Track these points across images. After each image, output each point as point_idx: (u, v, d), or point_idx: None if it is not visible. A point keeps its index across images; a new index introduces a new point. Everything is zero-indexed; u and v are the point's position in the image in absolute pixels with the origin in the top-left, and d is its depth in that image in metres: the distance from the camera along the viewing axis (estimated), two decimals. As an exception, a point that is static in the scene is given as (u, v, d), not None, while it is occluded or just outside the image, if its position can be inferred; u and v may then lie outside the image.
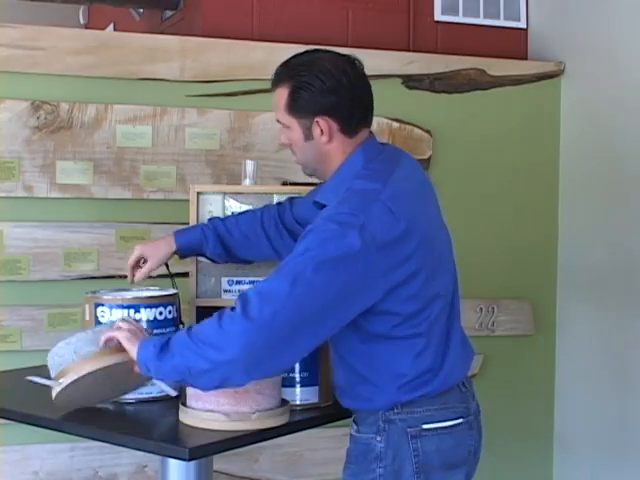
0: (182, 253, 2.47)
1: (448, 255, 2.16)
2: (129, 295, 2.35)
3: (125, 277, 2.50)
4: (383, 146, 2.18)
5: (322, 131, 2.07)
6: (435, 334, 2.05)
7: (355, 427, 2.10)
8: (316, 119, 2.07)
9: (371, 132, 2.16)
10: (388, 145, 2.24)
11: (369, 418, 2.06)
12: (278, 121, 2.15)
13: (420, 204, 2.07)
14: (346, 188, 2.03)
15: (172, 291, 2.41)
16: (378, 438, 2.05)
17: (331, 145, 2.09)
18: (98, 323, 2.26)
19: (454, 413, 2.08)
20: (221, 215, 2.54)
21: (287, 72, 2.10)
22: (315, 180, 2.27)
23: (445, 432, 2.06)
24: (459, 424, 2.09)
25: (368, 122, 2.14)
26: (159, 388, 2.24)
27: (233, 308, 1.90)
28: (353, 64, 2.11)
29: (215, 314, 1.93)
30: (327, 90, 2.05)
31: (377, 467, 2.04)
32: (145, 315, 2.25)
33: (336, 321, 1.94)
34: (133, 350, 1.98)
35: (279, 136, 2.18)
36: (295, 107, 2.08)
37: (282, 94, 2.10)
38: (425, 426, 2.04)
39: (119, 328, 2.05)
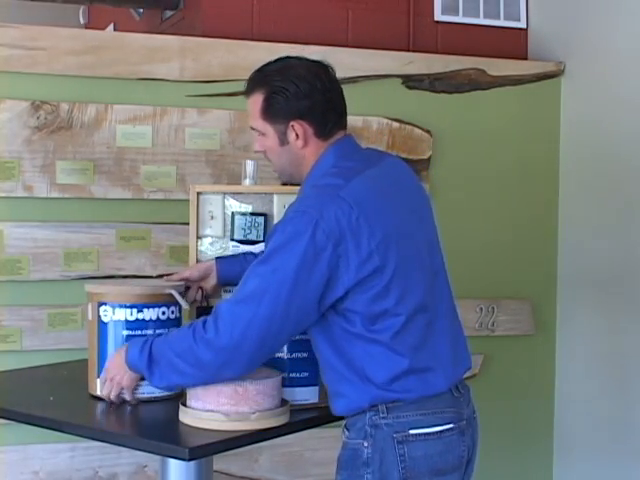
0: (219, 282, 2.48)
1: (428, 259, 2.11)
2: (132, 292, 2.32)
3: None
4: (361, 148, 2.19)
5: (297, 135, 2.10)
6: (412, 335, 2.02)
7: (346, 433, 2.09)
8: (291, 123, 2.10)
9: (349, 135, 2.17)
10: (370, 149, 2.26)
11: (357, 423, 2.05)
12: (252, 128, 2.17)
13: (390, 204, 2.06)
14: (311, 185, 2.07)
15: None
16: (365, 443, 2.03)
17: (306, 149, 2.12)
18: (101, 322, 2.25)
19: (443, 419, 2.05)
20: (221, 215, 2.54)
21: (261, 78, 2.13)
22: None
23: (433, 438, 2.03)
24: (449, 430, 2.05)
25: (343, 125, 2.16)
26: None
27: (206, 322, 1.99)
28: (326, 69, 2.14)
29: (190, 329, 2.02)
30: (302, 94, 2.08)
31: (365, 473, 2.03)
32: (148, 315, 2.24)
33: (306, 324, 2.02)
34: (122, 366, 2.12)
35: (253, 143, 2.19)
36: (270, 112, 2.11)
37: (257, 100, 2.13)
38: (412, 431, 2.02)
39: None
